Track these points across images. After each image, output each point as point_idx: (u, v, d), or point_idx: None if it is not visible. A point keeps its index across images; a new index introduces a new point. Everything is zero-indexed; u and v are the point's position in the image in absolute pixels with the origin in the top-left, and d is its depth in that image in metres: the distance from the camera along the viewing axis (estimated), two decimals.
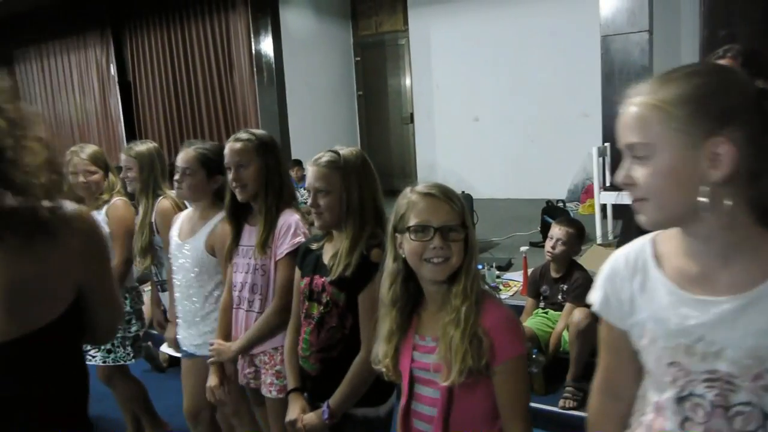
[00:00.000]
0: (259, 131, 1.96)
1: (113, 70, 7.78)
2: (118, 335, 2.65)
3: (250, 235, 1.94)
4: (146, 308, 2.99)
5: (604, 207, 4.43)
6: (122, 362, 2.68)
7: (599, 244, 4.18)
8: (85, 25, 7.83)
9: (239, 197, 1.89)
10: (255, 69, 6.66)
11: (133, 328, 2.69)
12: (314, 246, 1.71)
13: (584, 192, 5.51)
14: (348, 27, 7.39)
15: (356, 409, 1.62)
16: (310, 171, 1.64)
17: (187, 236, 2.18)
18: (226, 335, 2.02)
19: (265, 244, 1.87)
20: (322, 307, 1.63)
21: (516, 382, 1.25)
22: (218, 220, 2.11)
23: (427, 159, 7.02)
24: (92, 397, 2.92)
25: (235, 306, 1.99)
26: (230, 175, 1.87)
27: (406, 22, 7.01)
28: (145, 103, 7.73)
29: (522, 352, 1.27)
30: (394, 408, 1.67)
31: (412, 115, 7.17)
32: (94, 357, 2.63)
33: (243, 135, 1.90)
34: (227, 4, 6.76)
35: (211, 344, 2.00)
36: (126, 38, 7.69)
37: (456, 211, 1.27)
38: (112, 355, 2.65)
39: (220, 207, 2.11)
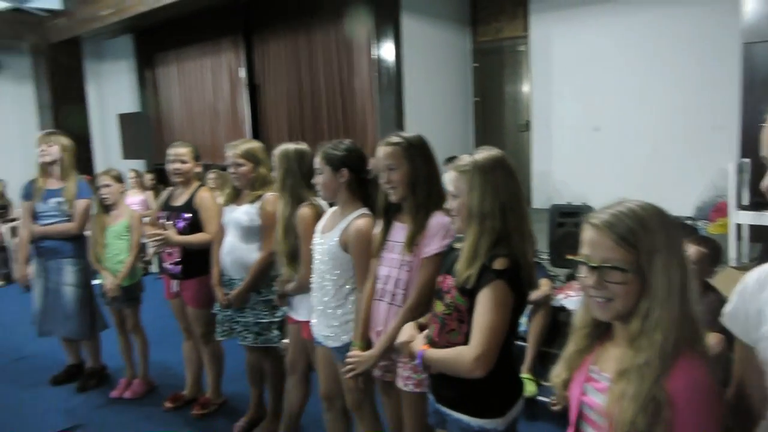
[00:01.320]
0: (410, 134, 2.02)
1: (243, 73, 8.26)
2: (265, 320, 2.87)
3: (399, 232, 2.01)
4: None
5: (739, 227, 4.15)
6: (270, 344, 2.93)
7: (733, 267, 3.92)
8: (219, 32, 8.39)
9: (391, 198, 1.98)
10: (375, 74, 6.84)
11: (279, 313, 2.92)
12: (458, 245, 1.74)
13: (714, 210, 5.17)
14: (467, 33, 7.39)
15: (472, 419, 1.63)
16: (449, 174, 1.68)
17: (326, 231, 2.30)
18: (366, 330, 2.10)
19: (413, 242, 1.94)
20: (444, 308, 1.67)
21: None
22: (353, 217, 2.21)
23: (542, 168, 6.87)
24: (227, 377, 3.21)
25: (377, 297, 2.07)
26: (382, 177, 1.96)
27: (526, 28, 6.90)
28: (270, 105, 8.16)
29: None
30: (515, 421, 1.68)
31: (528, 122, 7.05)
32: (246, 338, 2.92)
33: (393, 138, 1.98)
34: (351, 12, 6.98)
35: (349, 355, 2.08)
36: (256, 44, 8.16)
37: (623, 248, 1.10)
38: (261, 337, 2.89)
39: (357, 204, 2.22)
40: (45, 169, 3.64)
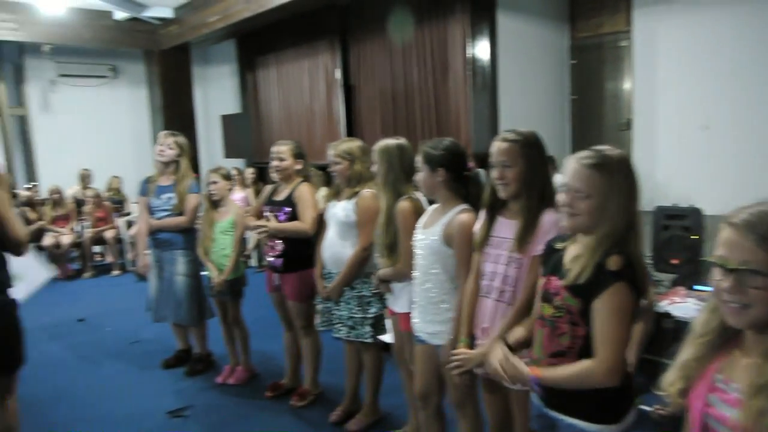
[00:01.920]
0: (526, 131, 1.99)
1: (338, 74, 8.46)
2: (358, 315, 2.95)
3: (505, 228, 2.01)
4: None
5: None
6: (362, 339, 3.01)
7: None
8: (317, 35, 8.64)
9: (501, 194, 1.97)
10: (469, 73, 6.80)
11: (372, 310, 2.99)
12: (559, 245, 1.70)
13: None
14: (565, 29, 7.19)
15: (587, 424, 1.59)
16: (570, 169, 1.62)
17: (428, 227, 2.33)
18: (471, 327, 2.10)
19: (524, 240, 1.92)
20: (554, 311, 1.62)
21: None
22: (455, 212, 2.24)
23: (645, 168, 6.54)
24: (324, 369, 3.31)
25: (482, 294, 2.07)
26: (494, 173, 1.95)
27: (629, 23, 6.62)
28: (364, 105, 8.30)
29: None
30: (630, 429, 1.62)
31: (630, 121, 6.76)
32: (340, 330, 3.02)
33: (509, 135, 1.97)
34: (446, 11, 6.98)
35: (456, 352, 2.07)
36: (351, 45, 8.33)
37: (764, 251, 1.04)
38: (354, 332, 2.99)
39: (458, 200, 2.24)
40: (161, 166, 3.91)
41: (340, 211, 2.99)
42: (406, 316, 2.57)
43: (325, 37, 8.55)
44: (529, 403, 1.87)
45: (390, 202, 2.64)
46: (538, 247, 1.89)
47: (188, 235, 3.95)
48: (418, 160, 2.30)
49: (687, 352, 1.22)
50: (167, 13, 8.05)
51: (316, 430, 3.26)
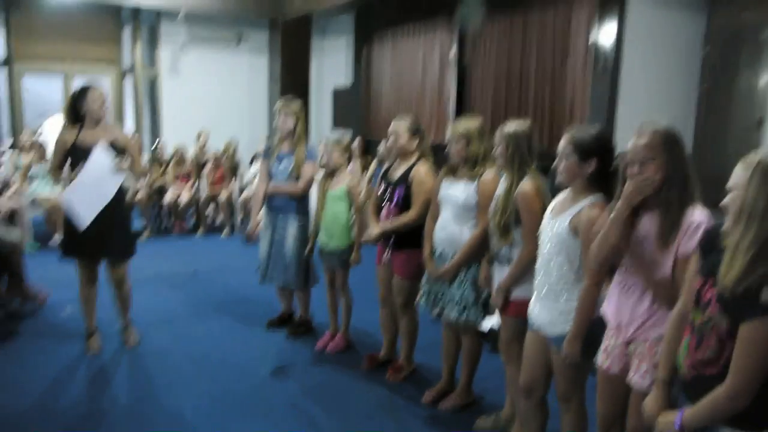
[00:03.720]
0: (665, 126, 1.92)
1: (453, 53, 8.38)
2: (471, 297, 2.98)
3: (646, 223, 1.95)
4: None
5: None
6: (473, 321, 3.05)
7: None
8: (435, 13, 8.58)
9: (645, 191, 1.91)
10: (591, 58, 6.53)
11: (485, 293, 3.00)
12: (722, 244, 1.59)
13: None
14: (702, 17, 6.70)
15: (727, 430, 1.54)
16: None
17: (557, 214, 2.29)
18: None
19: (667, 237, 1.87)
20: (704, 320, 1.56)
21: None
22: (587, 203, 2.18)
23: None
24: (418, 346, 3.33)
25: (622, 289, 2.05)
26: (634, 168, 1.90)
27: None
28: (477, 86, 8.19)
29: None
30: None
31: (763, 119, 6.24)
32: (451, 312, 3.06)
33: (648, 128, 1.90)
34: None
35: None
36: (468, 25, 8.21)
37: None
38: (464, 313, 3.03)
39: (593, 191, 2.19)
40: (282, 134, 4.07)
41: (460, 193, 2.98)
42: (518, 304, 2.57)
43: (443, 15, 8.48)
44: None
45: (511, 183, 2.63)
46: (689, 246, 1.82)
47: (301, 202, 4.11)
48: (565, 145, 2.24)
49: None
50: None
51: (411, 404, 3.32)
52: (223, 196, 7.53)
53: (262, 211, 4.20)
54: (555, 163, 2.28)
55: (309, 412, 3.24)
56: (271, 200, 4.11)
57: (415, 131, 3.42)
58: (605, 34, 6.35)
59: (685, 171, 1.88)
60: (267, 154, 4.20)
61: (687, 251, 1.82)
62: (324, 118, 11.25)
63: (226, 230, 7.55)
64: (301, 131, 4.07)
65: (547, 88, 7.16)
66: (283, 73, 9.66)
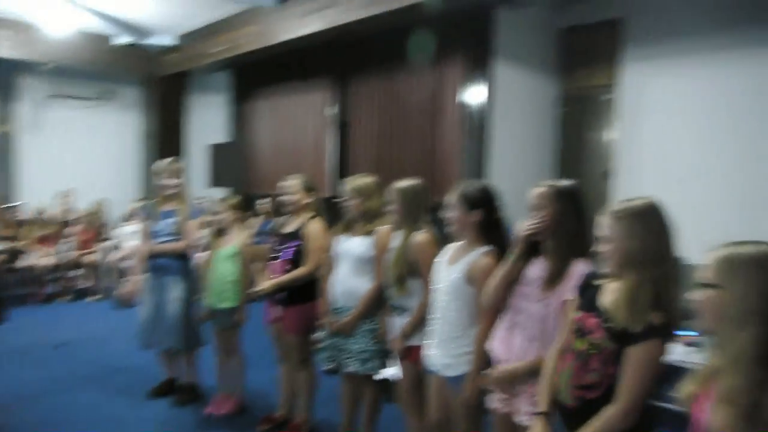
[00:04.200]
0: (564, 182, 2.11)
1: (333, 111, 8.60)
2: (373, 348, 3.01)
3: (537, 268, 2.09)
4: None
5: None
6: (373, 372, 3.08)
7: None
8: (314, 71, 8.80)
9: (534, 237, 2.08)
10: (463, 119, 6.97)
11: (384, 344, 3.03)
12: (596, 282, 1.78)
13: None
14: (554, 80, 7.45)
15: None
16: (603, 219, 1.74)
17: (451, 263, 2.40)
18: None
19: (551, 282, 2.00)
20: (588, 347, 1.69)
21: None
22: (480, 252, 2.32)
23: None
24: (317, 402, 3.29)
25: (508, 329, 2.16)
26: (530, 216, 2.06)
27: (616, 76, 6.90)
28: (358, 143, 8.43)
29: None
30: None
31: (610, 171, 6.98)
32: (350, 365, 3.07)
33: (547, 182, 2.10)
34: (445, 56, 7.19)
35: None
36: (348, 83, 8.50)
37: (709, 268, 1.33)
38: (367, 365, 3.05)
39: (484, 242, 2.32)
40: (165, 193, 3.92)
41: (357, 246, 3.03)
42: (418, 349, 2.63)
43: (322, 74, 8.71)
44: None
45: (406, 237, 2.73)
46: (569, 294, 1.96)
47: (184, 261, 3.95)
48: (453, 198, 2.38)
49: (702, 368, 1.38)
50: (169, 40, 8.14)
51: None
52: (89, 258, 7.01)
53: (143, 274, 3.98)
54: (443, 214, 2.43)
55: None
56: (153, 261, 3.91)
57: (309, 188, 3.47)
58: (474, 95, 6.84)
59: (573, 224, 2.04)
60: (147, 213, 4.01)
61: (567, 298, 1.97)
62: (199, 176, 10.96)
63: (95, 295, 7.01)
64: (184, 190, 3.97)
65: (425, 146, 7.51)
66: (158, 131, 9.35)
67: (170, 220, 3.88)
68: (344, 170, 8.62)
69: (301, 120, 9.15)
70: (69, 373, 4.59)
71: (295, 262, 3.34)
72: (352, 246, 3.05)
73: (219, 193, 9.38)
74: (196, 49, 8.20)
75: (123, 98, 9.83)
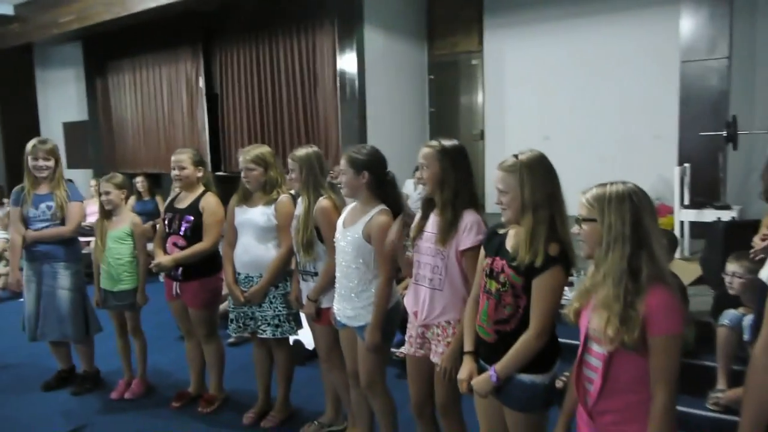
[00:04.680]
0: (449, 141, 2.28)
1: (201, 82, 8.32)
2: (284, 312, 3.14)
3: (433, 224, 2.30)
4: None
5: (681, 224, 4.66)
6: (287, 335, 3.21)
7: (680, 259, 4.42)
8: (177, 42, 8.42)
9: (424, 192, 2.30)
10: (338, 85, 7.09)
11: (294, 309, 3.18)
12: (501, 231, 2.03)
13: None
14: (424, 47, 7.76)
15: (524, 375, 1.93)
16: (496, 174, 1.96)
17: (349, 225, 2.57)
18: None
19: (445, 236, 2.21)
20: (500, 286, 1.93)
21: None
22: (375, 212, 2.51)
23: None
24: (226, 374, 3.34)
25: (415, 282, 2.36)
26: (417, 173, 2.25)
27: (480, 43, 7.34)
28: (231, 115, 8.26)
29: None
30: (555, 376, 1.99)
31: (482, 132, 7.48)
32: (264, 331, 3.16)
33: (432, 142, 2.27)
34: (315, 24, 7.22)
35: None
36: (215, 53, 8.24)
37: (585, 206, 1.66)
38: (279, 329, 3.16)
39: (377, 202, 2.51)
40: (36, 177, 3.68)
41: (260, 216, 3.09)
42: (329, 311, 2.79)
43: (187, 44, 8.37)
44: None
45: (310, 203, 2.83)
46: (463, 244, 2.20)
47: (70, 247, 3.76)
48: (342, 163, 2.52)
49: (581, 285, 1.71)
50: (7, 10, 7.40)
51: (233, 431, 3.29)
52: None
53: (23, 263, 3.75)
54: (338, 179, 2.59)
55: None
56: (32, 249, 3.69)
57: (199, 162, 3.44)
58: (348, 62, 6.97)
59: (458, 180, 2.24)
60: (17, 199, 3.74)
61: (465, 246, 2.21)
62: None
63: None
64: (60, 172, 3.75)
65: (301, 114, 7.55)
66: (4, 110, 8.50)
67: (46, 204, 3.67)
68: (218, 143, 8.44)
69: (169, 92, 8.77)
70: None
71: (190, 237, 3.34)
72: (254, 216, 3.11)
73: (76, 174, 8.80)
74: (42, 19, 7.54)
75: None
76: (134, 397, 3.72)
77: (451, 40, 7.60)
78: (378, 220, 2.47)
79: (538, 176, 1.90)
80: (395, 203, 2.55)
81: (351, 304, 2.58)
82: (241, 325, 3.25)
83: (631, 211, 1.58)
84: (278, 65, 7.64)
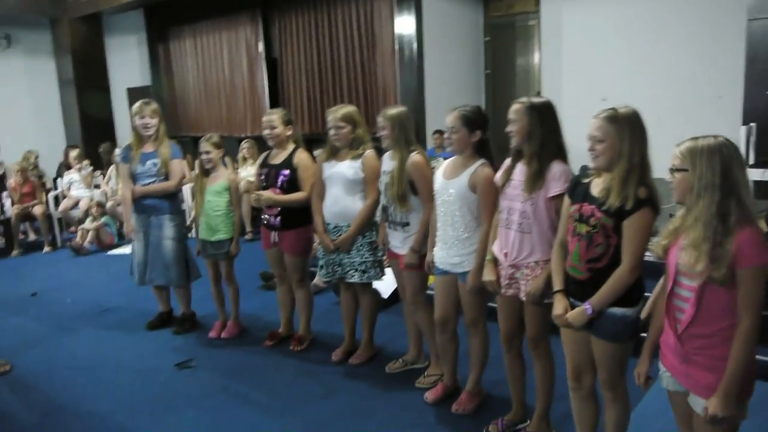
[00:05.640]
0: (537, 98, 2.51)
1: (261, 47, 8.58)
2: (371, 259, 3.40)
3: (520, 173, 2.53)
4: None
5: None
6: (373, 280, 3.50)
7: None
8: (236, 6, 8.67)
9: (513, 143, 2.51)
10: (396, 48, 7.25)
11: (380, 253, 3.47)
12: (585, 180, 2.25)
13: None
14: (479, 8, 7.84)
15: (616, 309, 2.16)
16: (592, 122, 2.16)
17: (451, 177, 2.80)
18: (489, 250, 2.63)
19: (532, 185, 2.44)
20: (590, 228, 2.15)
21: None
22: (478, 165, 2.74)
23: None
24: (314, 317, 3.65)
25: (505, 226, 2.59)
26: (508, 127, 2.49)
27: (537, 3, 7.38)
28: (290, 79, 8.51)
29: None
30: (641, 310, 2.23)
31: (539, 93, 7.56)
32: (352, 276, 3.43)
33: (521, 99, 2.50)
34: None
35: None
36: (274, 18, 8.47)
37: (678, 157, 1.83)
38: (366, 275, 3.43)
39: (478, 156, 2.76)
40: (141, 135, 4.04)
41: (347, 169, 3.36)
42: (424, 257, 3.09)
43: (246, 9, 8.61)
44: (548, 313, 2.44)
45: (401, 158, 3.09)
46: (551, 191, 2.42)
47: (174, 200, 4.14)
48: (453, 121, 2.75)
49: (673, 223, 1.89)
50: None
51: (321, 368, 3.64)
52: (37, 210, 6.87)
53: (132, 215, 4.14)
54: (447, 135, 2.81)
55: (238, 390, 3.40)
56: (140, 202, 4.07)
57: (288, 121, 3.72)
58: (405, 27, 7.13)
59: (544, 133, 2.44)
60: (125, 157, 4.11)
61: (554, 192, 2.43)
62: (122, 119, 10.65)
63: (47, 247, 6.92)
64: (163, 130, 4.10)
65: (360, 77, 7.76)
66: (77, 76, 8.95)
67: (152, 161, 4.03)
68: (277, 106, 8.71)
69: (230, 58, 9.06)
70: (57, 318, 4.71)
71: (287, 189, 3.63)
72: (342, 169, 3.38)
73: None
74: None
75: (28, 44, 9.27)
76: (230, 336, 4.12)
77: (507, 1, 7.65)
78: (484, 172, 2.71)
79: (636, 129, 2.10)
80: (491, 159, 2.79)
81: (456, 251, 2.82)
82: (330, 271, 3.56)
83: (721, 163, 1.76)
84: (336, 29, 7.83)
